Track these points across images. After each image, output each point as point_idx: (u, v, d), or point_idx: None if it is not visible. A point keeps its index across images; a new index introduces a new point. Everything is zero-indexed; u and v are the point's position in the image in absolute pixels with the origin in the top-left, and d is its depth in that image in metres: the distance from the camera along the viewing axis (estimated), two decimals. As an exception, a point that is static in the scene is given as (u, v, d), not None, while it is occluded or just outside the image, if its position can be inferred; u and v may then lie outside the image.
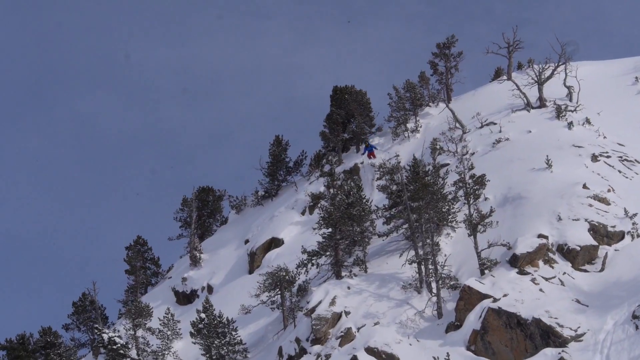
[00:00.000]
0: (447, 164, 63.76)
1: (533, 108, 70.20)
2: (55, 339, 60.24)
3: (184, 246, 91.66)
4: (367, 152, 75.87)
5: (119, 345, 62.56)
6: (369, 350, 42.47)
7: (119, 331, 67.33)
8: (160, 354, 62.03)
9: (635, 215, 49.24)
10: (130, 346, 63.68)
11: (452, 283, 47.25)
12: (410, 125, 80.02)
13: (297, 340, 46.46)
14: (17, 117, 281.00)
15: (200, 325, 54.25)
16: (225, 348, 53.41)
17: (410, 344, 43.07)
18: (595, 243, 47.12)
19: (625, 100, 71.66)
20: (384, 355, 42.09)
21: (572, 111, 66.52)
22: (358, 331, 44.73)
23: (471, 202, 49.58)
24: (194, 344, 55.95)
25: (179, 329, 63.54)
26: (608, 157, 57.42)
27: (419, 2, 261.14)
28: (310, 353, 45.26)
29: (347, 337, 44.70)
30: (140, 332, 64.56)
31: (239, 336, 54.51)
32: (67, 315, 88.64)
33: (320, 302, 47.48)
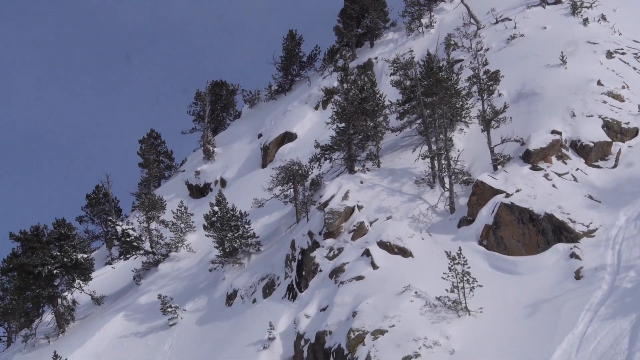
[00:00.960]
0: (461, 60, 63.48)
1: (548, 4, 69.54)
2: (69, 230, 60.76)
3: (197, 140, 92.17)
4: None
5: (133, 237, 63.28)
6: (382, 244, 42.79)
7: (132, 224, 68.06)
8: (173, 246, 62.65)
9: (649, 112, 49.12)
10: (143, 238, 64.40)
11: (465, 178, 47.38)
12: (424, 20, 79.54)
13: (310, 234, 46.80)
14: (26, 7, 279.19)
15: (214, 219, 54.72)
16: (238, 241, 53.96)
17: (423, 238, 43.36)
18: (608, 139, 46.98)
19: (642, -4, 70.81)
20: (396, 249, 42.41)
21: (587, 7, 65.87)
22: (371, 225, 45.04)
23: (485, 97, 49.39)
24: (207, 236, 56.52)
25: (192, 222, 64.08)
26: (623, 53, 56.96)
27: None
28: (323, 246, 45.63)
29: (359, 230, 45.03)
30: (153, 225, 65.16)
31: (252, 229, 55.02)
32: (81, 207, 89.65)
33: (333, 196, 47.73)
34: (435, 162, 48.64)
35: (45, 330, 60.14)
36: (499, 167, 46.04)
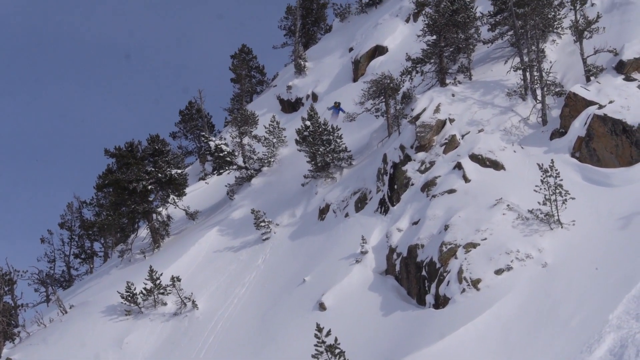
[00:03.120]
0: (555, -31, 62.31)
1: None
2: (163, 146, 61.53)
3: (288, 54, 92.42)
4: (334, 111, 65.04)
5: (226, 152, 63.92)
6: (473, 157, 42.68)
7: (225, 139, 68.70)
8: (266, 161, 63.16)
9: None
10: (236, 153, 64.98)
11: (557, 90, 46.79)
12: None
13: (402, 148, 46.82)
14: None
15: (305, 133, 55.00)
16: (330, 155, 54.23)
17: (515, 151, 43.09)
18: None
19: None
20: (488, 162, 42.26)
21: None
22: (462, 138, 44.88)
23: (577, 7, 48.44)
24: (299, 151, 56.87)
25: (284, 136, 64.41)
26: None
27: None
28: (414, 160, 45.66)
29: (451, 144, 44.94)
30: (246, 140, 65.69)
31: (344, 143, 55.19)
32: (174, 123, 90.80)
33: (424, 110, 47.59)
34: (527, 74, 48.09)
35: (141, 245, 61.43)
36: (592, 78, 45.36)
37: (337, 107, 63.51)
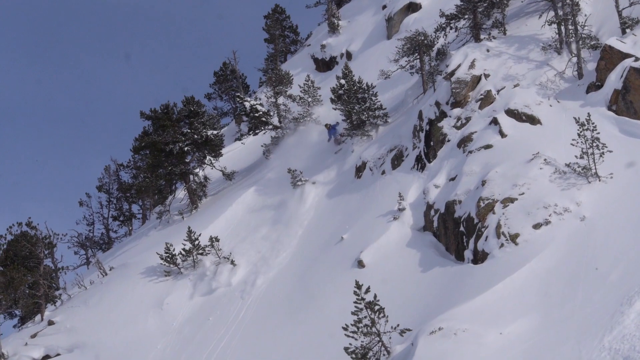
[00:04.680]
0: None
1: None
2: (198, 108, 61.62)
3: (321, 13, 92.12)
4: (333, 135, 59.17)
5: (261, 112, 63.99)
6: (509, 112, 42.50)
7: (260, 99, 68.72)
8: (301, 120, 63.16)
9: None
10: (271, 113, 65.01)
11: (592, 43, 46.40)
12: None
13: (437, 104, 46.72)
14: None
15: (340, 92, 54.98)
16: (365, 113, 54.20)
17: (551, 105, 42.89)
18: None
19: None
20: (524, 117, 42.09)
21: None
22: (498, 93, 44.69)
23: (613, -42, 48.01)
24: (335, 109, 56.84)
25: (319, 95, 64.31)
26: None
27: None
28: (450, 116, 45.56)
29: (486, 99, 44.76)
30: (281, 100, 65.65)
31: (379, 101, 55.11)
32: (209, 84, 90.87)
33: (459, 66, 47.39)
34: (562, 27, 47.69)
35: (179, 206, 61.76)
36: (627, 30, 44.93)
37: (329, 129, 58.94)
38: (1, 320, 49.33)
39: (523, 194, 35.83)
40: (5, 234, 55.06)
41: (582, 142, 36.13)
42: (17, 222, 56.59)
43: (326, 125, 57.98)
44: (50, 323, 48.98)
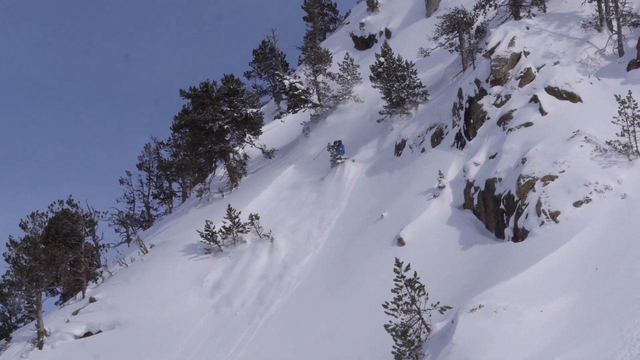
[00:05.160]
0: None
1: None
2: (237, 86, 61.75)
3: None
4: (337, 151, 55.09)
5: (300, 90, 64.02)
6: (550, 90, 42.33)
7: (299, 77, 68.67)
8: (340, 98, 63.16)
9: None
10: (311, 91, 65.02)
11: (633, 20, 46.00)
12: None
13: (477, 82, 46.58)
14: None
15: (380, 69, 54.95)
16: (405, 91, 54.15)
17: (591, 83, 42.68)
18: None
19: None
20: (564, 95, 41.92)
21: None
22: (538, 71, 44.50)
23: None
24: (374, 87, 56.87)
25: (359, 73, 64.25)
26: None
27: None
28: (490, 94, 45.43)
29: (526, 77, 44.58)
30: (320, 78, 65.63)
31: (419, 79, 55.04)
32: (248, 63, 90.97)
33: (499, 43, 47.22)
34: (603, 4, 47.35)
35: (218, 184, 62.03)
36: (669, 6, 44.65)
37: (336, 147, 55.06)
38: (43, 298, 49.73)
39: (563, 171, 35.74)
40: (47, 212, 55.56)
41: (623, 119, 35.97)
42: (58, 200, 57.13)
43: (335, 142, 55.29)
44: (92, 300, 49.49)
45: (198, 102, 60.82)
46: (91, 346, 45.43)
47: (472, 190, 41.07)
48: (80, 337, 46.66)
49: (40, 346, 46.33)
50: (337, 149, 54.08)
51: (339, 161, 52.58)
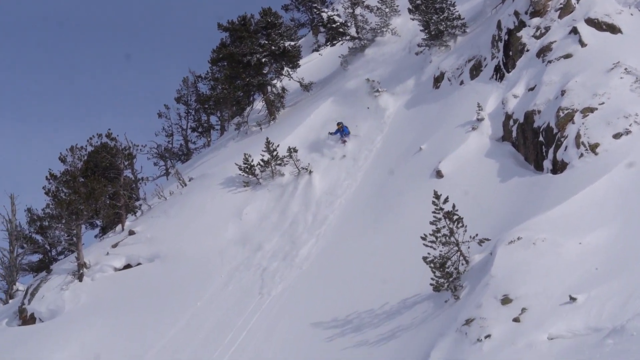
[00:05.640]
0: None
1: None
2: (275, 19, 61.55)
3: None
4: (340, 134, 52.30)
5: (338, 23, 63.81)
6: (589, 21, 41.88)
7: (337, 10, 68.38)
8: (379, 31, 62.86)
9: None
10: (349, 24, 64.74)
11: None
12: None
13: (516, 13, 46.14)
14: None
15: (418, 2, 54.57)
16: (443, 23, 53.79)
17: (631, 14, 42.19)
18: None
19: None
20: (604, 26, 41.48)
21: None
22: (577, 2, 43.90)
23: None
24: (412, 20, 56.53)
25: (397, 5, 63.80)
26: None
27: None
28: (529, 26, 45.01)
29: (566, 8, 44.06)
30: (358, 10, 65.27)
31: (457, 11, 54.61)
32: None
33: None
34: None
35: (257, 118, 62.12)
36: None
37: (340, 129, 52.03)
38: (83, 231, 50.25)
39: (603, 103, 35.47)
40: (86, 145, 55.87)
41: (665, 49, 35.63)
42: (97, 133, 57.48)
43: (338, 124, 52.28)
44: (131, 233, 49.97)
45: (236, 35, 60.76)
46: (130, 278, 45.96)
47: (511, 122, 40.89)
48: (120, 270, 47.19)
49: (80, 278, 46.91)
50: (340, 133, 51.72)
51: (377, 94, 52.42)
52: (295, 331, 34.77)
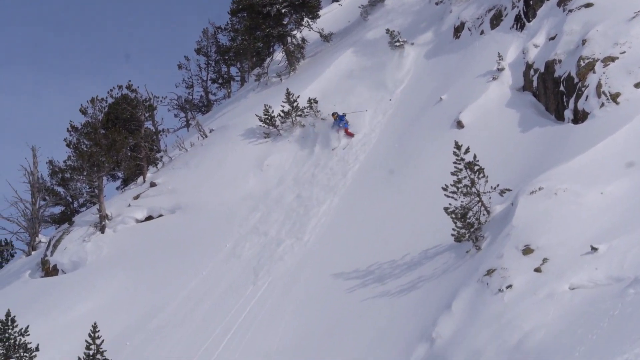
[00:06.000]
0: None
1: None
2: (295, -31, 61.28)
3: None
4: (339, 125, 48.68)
5: (358, -27, 63.28)
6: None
7: (357, -41, 67.82)
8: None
9: None
10: (369, -26, 64.27)
11: None
12: None
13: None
14: None
15: (438, -50, 54.17)
16: (463, -28, 53.44)
17: (655, -39, 41.78)
18: None
19: None
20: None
21: None
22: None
23: None
24: (432, -31, 56.21)
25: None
26: None
27: None
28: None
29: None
30: (378, -40, 64.73)
31: (477, -41, 54.21)
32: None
33: None
34: None
35: (277, 69, 61.95)
36: None
37: (336, 119, 48.76)
38: (104, 183, 50.61)
39: (624, 52, 35.24)
40: (107, 97, 56.16)
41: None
42: (117, 85, 57.59)
43: (333, 114, 49.16)
44: (152, 185, 50.23)
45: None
46: (152, 230, 46.28)
47: (532, 72, 40.71)
48: (141, 221, 47.54)
49: (102, 230, 47.30)
50: (337, 123, 48.54)
51: (397, 44, 52.17)
52: (316, 283, 35.01)
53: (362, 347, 28.60)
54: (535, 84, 40.31)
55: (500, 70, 42.43)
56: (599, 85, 34.36)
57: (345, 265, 34.55)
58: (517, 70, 42.03)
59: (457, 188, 30.51)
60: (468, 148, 30.55)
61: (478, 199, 30.71)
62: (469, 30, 49.22)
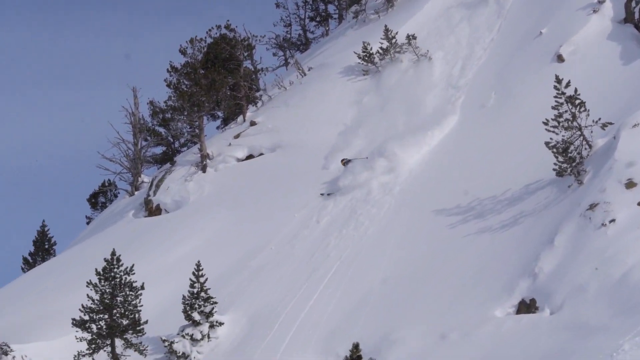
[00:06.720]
0: None
1: None
2: None
3: None
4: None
5: None
6: None
7: None
8: None
9: None
10: None
11: None
12: None
13: None
14: None
15: None
16: None
17: None
18: None
19: None
20: None
21: None
22: None
23: None
24: None
25: None
26: None
27: None
28: None
29: None
30: None
31: None
32: None
33: None
34: None
35: (374, 5, 61.48)
36: None
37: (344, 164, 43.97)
38: (205, 122, 51.18)
39: None
40: (205, 37, 56.36)
41: None
42: (216, 25, 57.83)
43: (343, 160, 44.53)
44: (252, 124, 50.68)
45: None
46: (253, 169, 46.74)
47: (633, 3, 40.02)
48: (242, 160, 48.03)
49: (203, 169, 47.99)
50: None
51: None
52: (417, 219, 35.15)
53: (464, 280, 28.74)
54: (637, 15, 39.70)
55: (600, 2, 41.78)
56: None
57: (446, 202, 34.62)
58: (618, 1, 41.32)
59: (558, 122, 30.29)
60: (569, 82, 30.28)
61: (579, 132, 30.46)
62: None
